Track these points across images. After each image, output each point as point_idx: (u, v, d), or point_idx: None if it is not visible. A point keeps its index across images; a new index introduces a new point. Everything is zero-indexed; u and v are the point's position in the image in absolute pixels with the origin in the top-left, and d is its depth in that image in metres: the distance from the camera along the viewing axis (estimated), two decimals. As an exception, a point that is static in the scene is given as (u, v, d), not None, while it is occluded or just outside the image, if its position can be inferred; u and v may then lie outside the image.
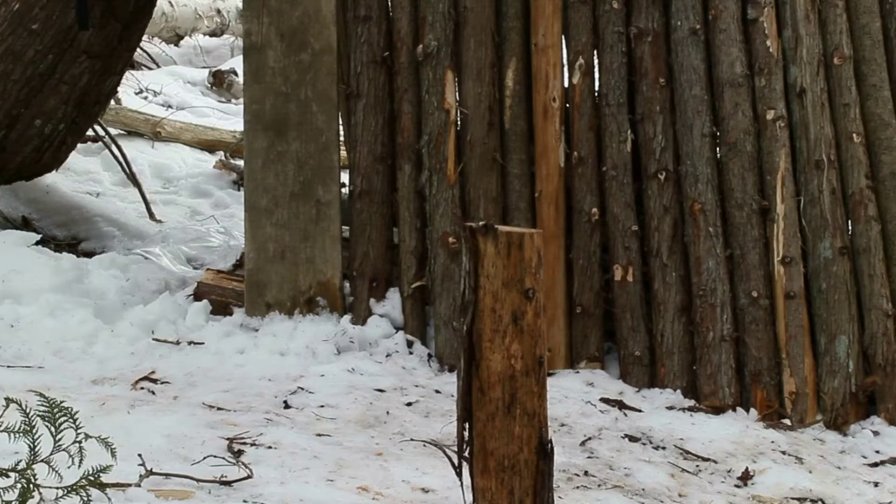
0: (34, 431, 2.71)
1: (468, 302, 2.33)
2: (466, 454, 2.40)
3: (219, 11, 11.31)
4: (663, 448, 4.18)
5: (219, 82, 9.65)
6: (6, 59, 5.60)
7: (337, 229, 4.84)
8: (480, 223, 2.32)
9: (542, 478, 2.37)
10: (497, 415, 2.34)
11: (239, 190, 6.84)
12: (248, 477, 3.39)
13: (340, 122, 4.97)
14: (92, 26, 5.54)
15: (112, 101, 6.82)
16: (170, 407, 4.02)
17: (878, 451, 4.40)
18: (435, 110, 4.78)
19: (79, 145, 6.47)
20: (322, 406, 4.14)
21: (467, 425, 2.39)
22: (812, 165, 4.65)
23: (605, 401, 4.40)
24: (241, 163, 6.18)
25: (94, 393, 4.11)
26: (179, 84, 9.50)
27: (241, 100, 5.25)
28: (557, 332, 4.70)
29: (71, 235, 5.94)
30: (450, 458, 2.43)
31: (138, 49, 7.61)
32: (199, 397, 4.13)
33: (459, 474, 2.40)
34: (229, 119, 8.59)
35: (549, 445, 2.38)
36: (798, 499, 3.93)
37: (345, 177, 5.14)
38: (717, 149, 4.72)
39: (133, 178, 6.76)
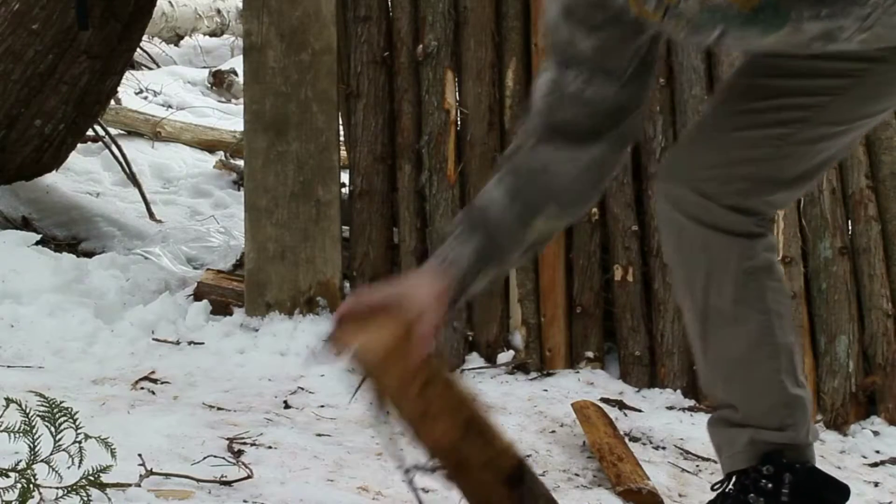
0: (34, 431, 2.71)
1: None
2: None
3: (219, 11, 11.32)
4: (663, 448, 4.18)
5: (219, 82, 9.65)
6: (6, 59, 5.60)
7: (337, 229, 4.84)
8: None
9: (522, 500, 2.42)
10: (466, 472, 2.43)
11: (239, 190, 6.84)
12: (248, 477, 3.38)
13: (340, 122, 4.97)
14: (92, 26, 5.54)
15: (112, 101, 6.83)
16: (170, 407, 4.02)
17: (878, 451, 4.39)
18: (435, 110, 4.78)
19: (79, 145, 6.47)
20: (322, 406, 4.14)
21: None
22: (812, 165, 4.65)
23: (605, 401, 4.40)
24: (241, 163, 6.18)
25: (94, 393, 4.11)
26: (179, 84, 9.51)
27: (241, 100, 5.26)
28: (557, 332, 4.70)
29: (71, 235, 5.94)
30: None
31: (138, 49, 7.61)
32: (199, 397, 4.13)
33: None
34: (229, 119, 8.60)
35: (520, 470, 2.43)
36: (798, 499, 3.93)
37: (345, 177, 5.14)
38: (717, 149, 4.71)
39: (133, 178, 6.77)
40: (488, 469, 2.36)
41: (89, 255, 5.50)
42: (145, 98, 8.94)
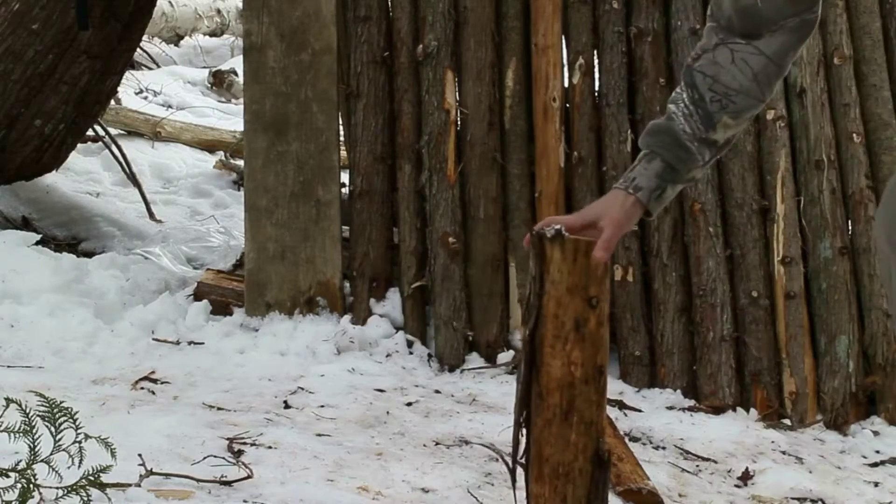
0: (34, 431, 2.71)
1: (532, 306, 2.31)
2: (522, 460, 2.38)
3: (219, 11, 11.31)
4: (663, 448, 4.18)
5: (219, 82, 9.65)
6: (6, 59, 5.60)
7: (337, 229, 4.84)
8: (552, 230, 2.29)
9: (597, 487, 2.35)
10: (554, 421, 2.31)
11: (239, 190, 6.84)
12: (248, 477, 3.39)
13: (340, 122, 4.97)
14: (92, 26, 5.54)
15: (112, 101, 6.82)
16: (170, 407, 4.02)
17: (878, 451, 4.40)
18: (435, 110, 4.78)
19: (79, 145, 6.47)
20: (322, 406, 4.14)
21: (525, 430, 2.36)
22: (812, 165, 4.65)
23: (605, 401, 4.39)
24: (241, 163, 6.18)
25: (94, 393, 4.11)
26: (179, 84, 9.51)
27: (241, 100, 5.26)
28: (557, 332, 4.70)
29: (71, 235, 5.94)
30: (507, 463, 2.41)
31: (138, 49, 7.61)
32: (200, 397, 4.13)
33: (514, 480, 2.38)
34: (229, 119, 8.59)
35: (607, 455, 2.37)
36: (798, 499, 3.93)
37: (345, 177, 5.14)
38: (718, 149, 4.71)
39: (133, 178, 6.76)
40: (584, 434, 2.31)
41: (89, 255, 5.50)
42: (145, 98, 8.93)
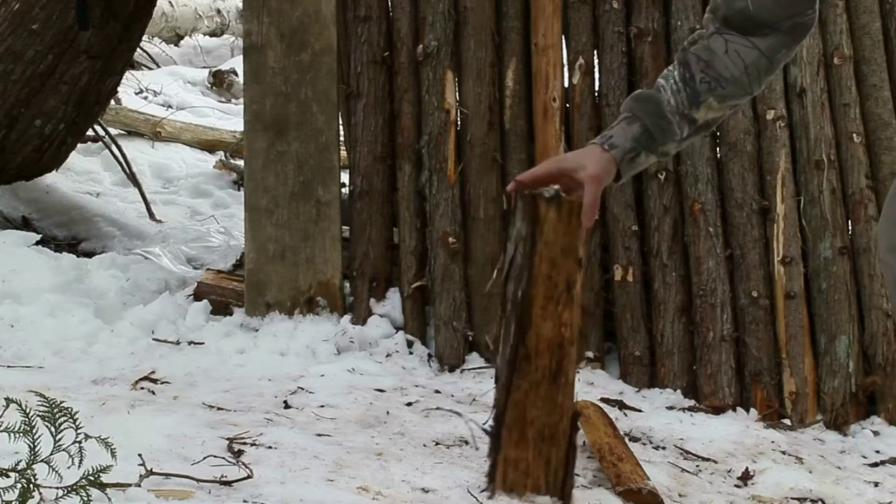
0: (34, 431, 2.71)
1: (522, 267, 2.30)
2: (486, 426, 2.36)
3: (219, 11, 11.31)
4: (663, 448, 4.18)
5: (219, 82, 9.65)
6: (6, 59, 5.60)
7: (337, 229, 4.84)
8: (551, 191, 2.28)
9: (575, 448, 2.36)
10: (542, 384, 2.30)
11: (239, 190, 6.84)
12: (248, 477, 3.39)
13: (340, 122, 4.97)
14: (92, 26, 5.54)
15: (112, 101, 6.82)
16: (170, 407, 4.02)
17: (878, 451, 4.40)
18: (435, 110, 4.78)
19: (79, 145, 6.47)
20: (322, 406, 4.14)
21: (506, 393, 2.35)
22: (812, 165, 4.65)
23: (605, 401, 4.40)
24: (241, 163, 6.18)
25: (94, 393, 4.11)
26: (179, 84, 9.50)
27: (241, 100, 5.26)
28: (557, 332, 4.70)
29: (71, 235, 5.94)
30: (485, 430, 2.39)
31: (138, 49, 7.61)
32: (200, 397, 4.13)
33: (498, 446, 2.36)
34: (229, 119, 8.59)
35: (579, 415, 2.38)
36: (798, 499, 3.93)
37: (345, 177, 5.14)
38: (717, 149, 4.72)
39: (133, 178, 6.76)
40: (568, 395, 2.31)
41: (89, 255, 5.50)
42: (145, 98, 8.93)
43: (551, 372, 2.30)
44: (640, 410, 4.44)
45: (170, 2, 10.77)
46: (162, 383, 4.26)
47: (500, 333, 2.35)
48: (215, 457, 3.51)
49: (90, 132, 6.69)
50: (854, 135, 4.67)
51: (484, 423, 2.36)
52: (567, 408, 2.32)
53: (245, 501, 3.26)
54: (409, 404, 4.26)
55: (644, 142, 2.40)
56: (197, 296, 4.93)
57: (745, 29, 2.43)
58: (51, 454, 2.72)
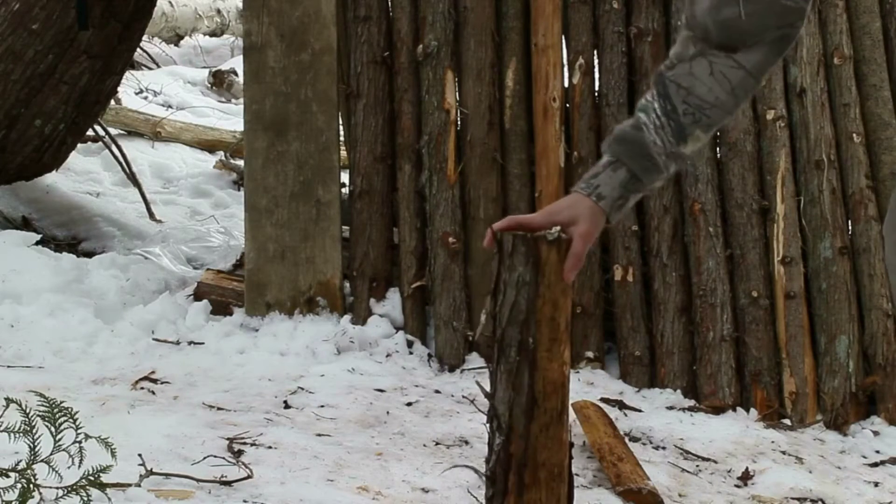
0: (34, 431, 2.71)
1: (528, 312, 2.29)
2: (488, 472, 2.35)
3: (219, 11, 11.31)
4: (663, 448, 4.18)
5: (219, 82, 9.65)
6: (6, 59, 5.60)
7: (337, 229, 4.84)
8: (554, 233, 2.27)
9: (572, 478, 2.36)
10: (551, 425, 2.30)
11: (239, 190, 6.84)
12: (248, 477, 3.39)
13: (340, 122, 4.97)
14: (92, 26, 5.54)
15: (112, 101, 6.82)
16: (170, 407, 4.02)
17: (878, 451, 4.40)
18: (435, 110, 4.78)
19: (79, 145, 6.47)
20: (322, 406, 4.14)
21: (505, 440, 2.34)
22: (812, 165, 4.65)
23: (605, 401, 4.40)
24: (241, 163, 6.18)
25: (94, 393, 4.11)
26: (179, 84, 9.51)
27: (241, 100, 5.26)
28: (557, 332, 4.70)
29: (71, 235, 5.94)
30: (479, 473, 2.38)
31: (138, 49, 7.61)
32: (199, 397, 4.13)
33: (504, 493, 2.33)
34: (229, 119, 8.59)
35: (572, 445, 2.37)
36: (798, 499, 3.93)
37: (345, 177, 5.14)
38: (717, 149, 4.72)
39: (133, 178, 6.76)
40: (566, 427, 2.31)
41: (89, 255, 5.50)
42: (145, 98, 8.93)
43: (558, 412, 2.31)
44: (640, 410, 4.44)
45: (170, 2, 10.77)
46: (162, 383, 4.26)
47: (499, 378, 2.35)
48: (215, 457, 3.51)
49: (90, 132, 6.69)
50: (854, 135, 4.67)
51: (486, 471, 2.35)
52: (566, 440, 2.33)
53: (245, 501, 3.26)
54: (409, 404, 4.26)
55: (632, 186, 2.33)
56: (197, 296, 4.93)
57: (729, 43, 2.33)
58: (51, 454, 2.72)
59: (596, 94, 4.78)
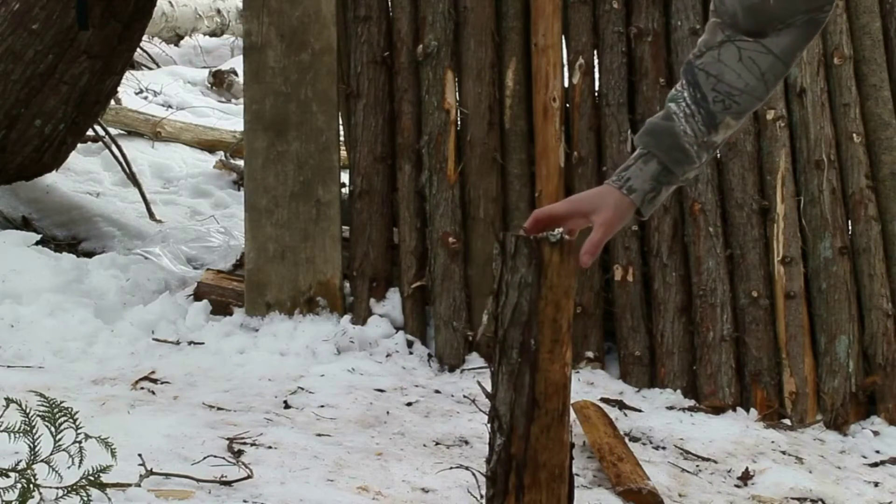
0: (34, 431, 2.71)
1: (530, 313, 2.29)
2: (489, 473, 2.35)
3: (219, 11, 11.31)
4: (663, 448, 4.18)
5: (219, 82, 9.65)
6: (6, 59, 5.60)
7: (337, 229, 4.84)
8: (557, 235, 2.27)
9: (573, 479, 2.36)
10: (552, 426, 2.30)
11: (239, 190, 6.84)
12: (248, 477, 3.39)
13: (340, 122, 4.97)
14: (92, 26, 5.54)
15: (112, 101, 6.82)
16: (170, 407, 4.02)
17: (878, 451, 4.40)
18: (435, 110, 4.78)
19: (79, 145, 6.47)
20: (322, 406, 4.14)
21: (506, 441, 2.33)
22: (812, 165, 4.65)
23: (605, 401, 4.40)
24: (241, 163, 6.18)
25: (94, 393, 4.11)
26: (179, 84, 9.51)
27: (241, 100, 5.26)
28: (557, 332, 4.70)
29: (71, 235, 5.94)
30: (479, 474, 2.38)
31: (138, 49, 7.61)
32: (199, 397, 4.13)
33: (504, 493, 2.33)
34: (229, 119, 8.59)
35: (573, 445, 2.37)
36: (798, 499, 3.93)
37: (345, 177, 5.14)
38: (717, 149, 4.72)
39: (133, 178, 6.76)
40: (567, 428, 2.31)
41: (89, 255, 5.50)
42: (145, 98, 8.93)
43: (559, 413, 2.31)
44: (640, 410, 4.44)
45: (170, 2, 10.77)
46: (162, 383, 4.26)
47: (501, 379, 2.34)
48: (215, 457, 3.51)
49: (90, 132, 6.69)
50: (854, 135, 4.67)
51: (486, 472, 2.34)
52: (567, 441, 2.32)
53: (245, 501, 3.26)
54: (409, 404, 4.26)
55: (664, 178, 2.32)
56: (197, 296, 4.93)
57: (757, 28, 2.31)
58: (51, 454, 2.72)
59: (596, 94, 4.78)
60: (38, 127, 5.73)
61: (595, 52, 4.80)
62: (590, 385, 4.58)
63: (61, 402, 2.75)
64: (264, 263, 4.82)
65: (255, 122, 4.86)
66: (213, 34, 11.31)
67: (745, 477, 4.02)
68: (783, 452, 4.25)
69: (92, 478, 2.77)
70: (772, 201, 4.65)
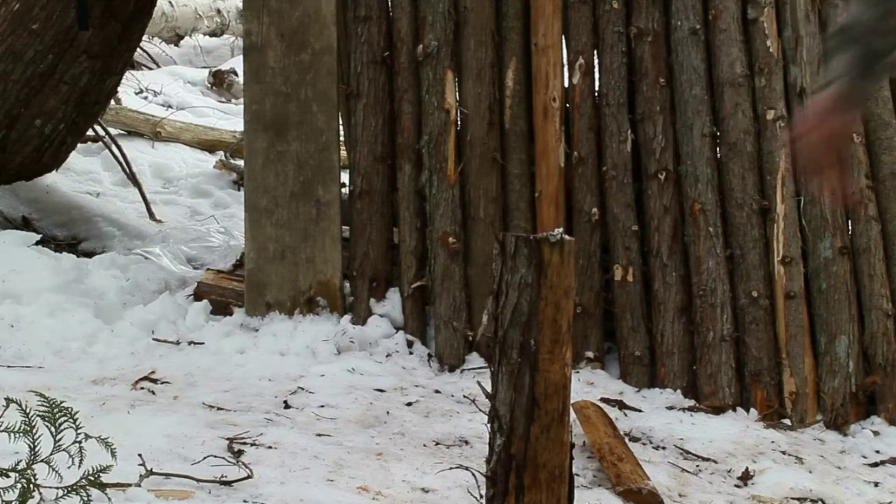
0: (34, 431, 2.71)
1: (529, 314, 2.28)
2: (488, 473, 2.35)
3: (219, 11, 11.31)
4: (663, 448, 4.18)
5: (219, 82, 9.64)
6: (6, 59, 5.60)
7: (337, 229, 4.84)
8: (557, 235, 2.27)
9: (573, 479, 2.36)
10: (552, 426, 2.30)
11: (239, 190, 6.84)
12: (248, 477, 3.39)
13: (340, 122, 4.97)
14: (92, 26, 5.54)
15: (112, 101, 6.82)
16: (170, 407, 4.02)
17: (878, 451, 4.40)
18: (435, 110, 4.78)
19: (79, 145, 6.47)
20: (322, 406, 4.14)
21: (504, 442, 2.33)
22: (812, 165, 4.65)
23: (605, 401, 4.40)
24: (241, 163, 6.18)
25: (94, 393, 4.11)
26: (179, 84, 9.50)
27: (241, 100, 5.26)
28: (557, 332, 4.69)
29: (71, 235, 5.94)
30: (478, 474, 2.38)
31: (138, 49, 7.61)
32: (199, 397, 4.13)
33: (505, 493, 2.33)
34: (229, 119, 8.58)
35: (573, 445, 2.37)
36: (798, 499, 3.93)
37: (345, 177, 5.14)
38: (718, 149, 4.72)
39: (133, 178, 6.76)
40: (567, 428, 2.32)
41: (89, 255, 5.50)
42: (145, 98, 8.92)
43: (559, 414, 2.30)
44: (640, 410, 4.44)
45: (170, 2, 10.76)
46: (162, 383, 4.26)
47: (501, 379, 2.34)
48: (215, 457, 3.51)
49: (90, 132, 6.69)
50: (854, 135, 4.66)
51: (486, 472, 2.35)
52: (567, 441, 2.33)
53: (245, 501, 3.26)
54: (409, 404, 4.26)
55: (864, 60, 2.37)
56: (197, 296, 4.93)
57: None
58: (51, 454, 2.72)
59: (596, 94, 4.78)
60: (38, 127, 5.73)
61: (595, 52, 4.79)
62: (590, 385, 4.58)
63: (61, 402, 2.75)
64: (264, 263, 4.82)
65: (255, 122, 4.86)
66: (213, 34, 11.30)
67: (745, 477, 4.02)
68: (783, 452, 4.25)
69: (92, 478, 2.78)
70: (772, 201, 4.65)
